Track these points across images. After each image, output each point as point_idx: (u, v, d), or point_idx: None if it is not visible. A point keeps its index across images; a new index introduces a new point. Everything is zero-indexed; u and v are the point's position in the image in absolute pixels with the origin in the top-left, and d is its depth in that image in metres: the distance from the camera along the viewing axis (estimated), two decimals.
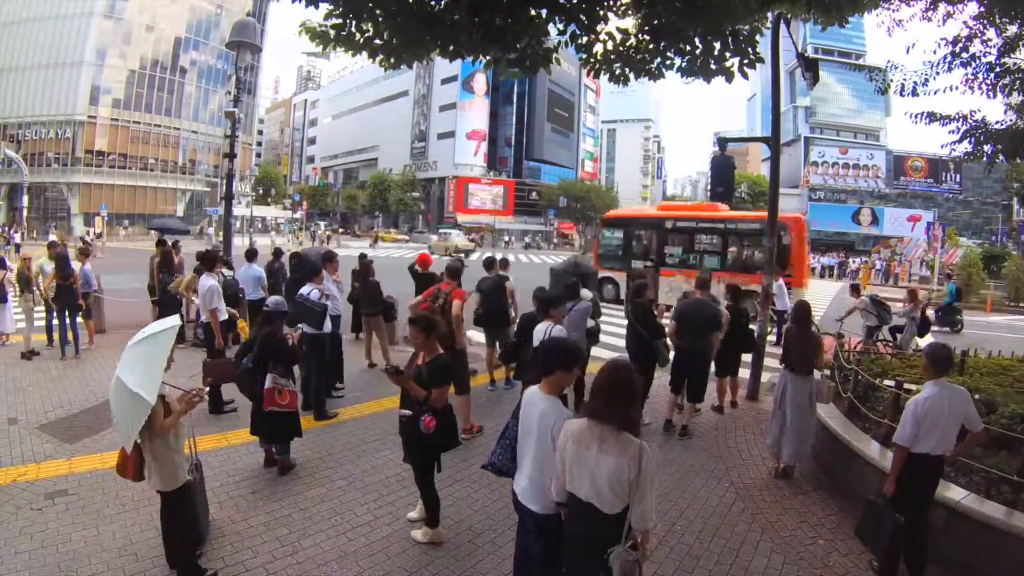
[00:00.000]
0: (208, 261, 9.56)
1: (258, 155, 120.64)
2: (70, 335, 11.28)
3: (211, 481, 6.33)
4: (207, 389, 5.86)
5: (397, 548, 5.27)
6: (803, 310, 7.53)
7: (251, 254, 12.69)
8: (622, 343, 9.39)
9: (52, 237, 36.28)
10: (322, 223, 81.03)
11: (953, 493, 5.34)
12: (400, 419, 5.34)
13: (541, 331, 6.69)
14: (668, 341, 8.69)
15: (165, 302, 12.46)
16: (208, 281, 9.11)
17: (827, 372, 8.20)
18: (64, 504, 5.76)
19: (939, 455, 4.90)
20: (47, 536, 5.17)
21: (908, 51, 9.48)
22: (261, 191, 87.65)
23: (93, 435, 7.47)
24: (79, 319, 11.57)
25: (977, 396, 6.58)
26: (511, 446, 4.22)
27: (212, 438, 7.55)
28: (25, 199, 55.54)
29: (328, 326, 8.83)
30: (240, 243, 26.62)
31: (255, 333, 7.01)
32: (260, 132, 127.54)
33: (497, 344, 10.40)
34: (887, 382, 7.44)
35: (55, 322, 11.50)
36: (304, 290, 8.85)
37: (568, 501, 3.54)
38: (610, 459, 3.29)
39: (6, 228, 46.83)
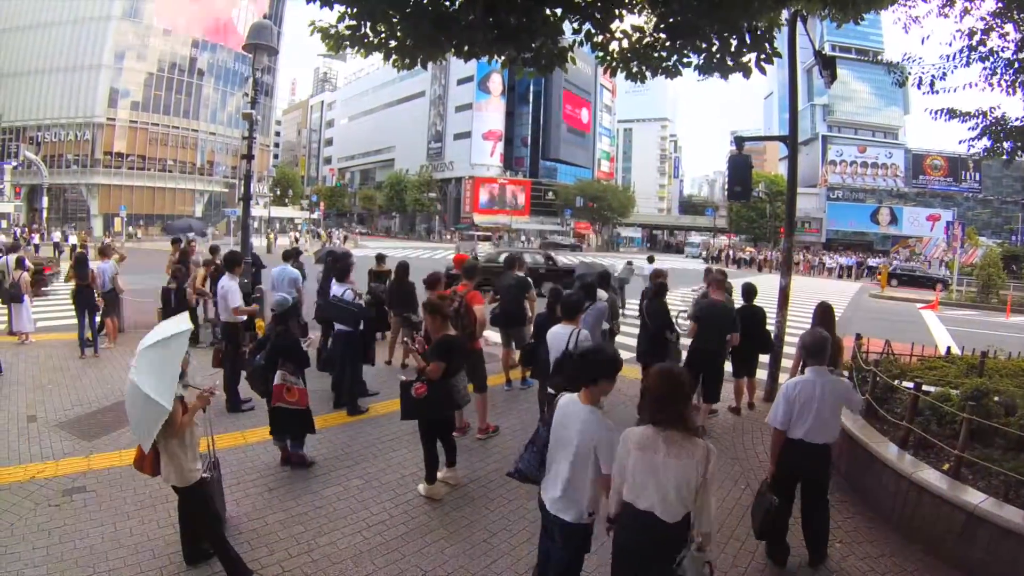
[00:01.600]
0: (231, 263, 9.56)
1: (275, 156, 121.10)
2: (88, 334, 11.41)
3: (228, 479, 6.36)
4: (219, 384, 5.95)
5: (412, 547, 5.28)
6: (825, 311, 7.46)
7: (288, 255, 12.52)
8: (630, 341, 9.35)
9: (72, 239, 36.70)
10: (300, 223, 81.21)
11: (971, 497, 5.28)
12: (400, 383, 6.14)
13: (562, 336, 6.70)
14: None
15: (179, 300, 12.60)
16: (227, 282, 9.11)
17: (845, 373, 8.13)
18: (82, 500, 5.81)
19: (820, 443, 5.03)
20: (65, 532, 5.21)
21: (923, 42, 9.43)
22: (279, 192, 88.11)
23: (111, 432, 7.54)
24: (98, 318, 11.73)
25: (997, 398, 6.52)
26: (540, 453, 4.16)
27: (230, 436, 7.59)
28: (45, 200, 56.09)
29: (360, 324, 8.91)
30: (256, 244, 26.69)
31: (268, 331, 7.07)
32: (277, 134, 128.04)
33: (513, 344, 10.40)
34: (906, 384, 7.38)
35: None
36: (337, 290, 8.98)
37: (623, 513, 3.59)
38: (678, 462, 3.39)
39: (25, 229, 47.27)
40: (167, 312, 12.89)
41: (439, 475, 6.41)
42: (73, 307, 11.61)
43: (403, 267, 11.58)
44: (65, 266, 12.45)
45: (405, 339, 6.54)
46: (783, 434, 5.06)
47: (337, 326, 8.75)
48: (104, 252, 12.98)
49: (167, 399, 4.21)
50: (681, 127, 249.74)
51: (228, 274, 9.30)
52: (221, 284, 9.22)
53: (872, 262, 53.98)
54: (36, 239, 40.47)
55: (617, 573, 3.74)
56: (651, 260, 20.51)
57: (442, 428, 6.37)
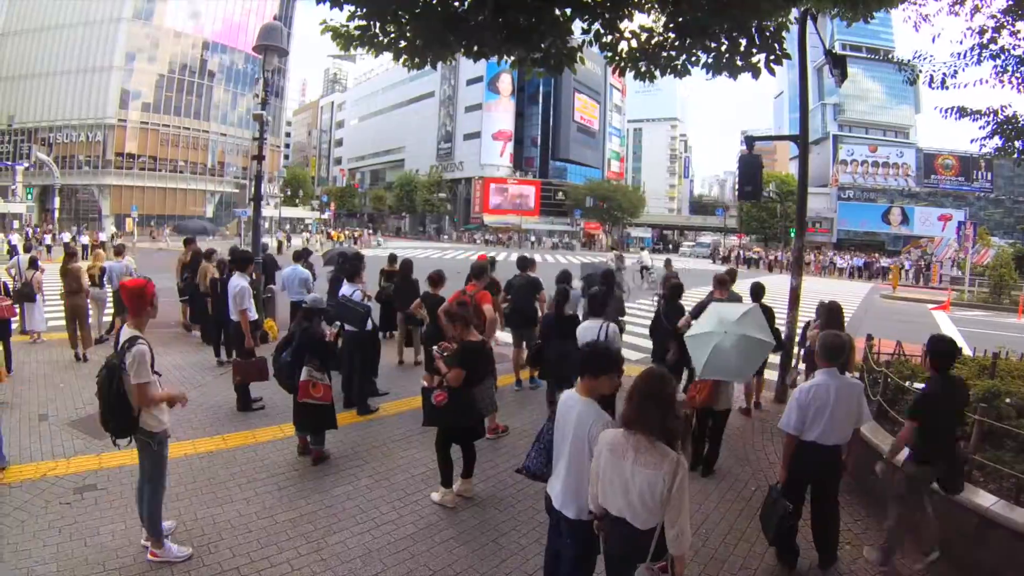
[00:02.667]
0: (241, 262, 9.62)
1: (286, 157, 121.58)
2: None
3: (239, 478, 6.42)
4: None
5: (422, 547, 5.29)
6: (834, 311, 7.43)
7: (298, 255, 12.82)
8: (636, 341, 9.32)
9: (84, 239, 36.88)
10: (310, 223, 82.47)
11: (982, 499, 5.25)
12: (422, 389, 6.17)
13: (592, 329, 7.02)
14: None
15: (198, 300, 12.71)
16: (239, 282, 9.15)
17: (856, 374, 8.08)
18: (93, 498, 5.84)
19: (832, 445, 5.02)
20: (75, 529, 5.24)
21: (934, 40, 9.37)
22: (289, 192, 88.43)
23: None
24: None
25: (1008, 400, 6.46)
26: (546, 450, 4.16)
27: (240, 435, 7.62)
28: (57, 201, 56.39)
29: (368, 325, 8.94)
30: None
31: (294, 328, 7.19)
32: (288, 134, 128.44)
33: (525, 344, 10.40)
34: (917, 385, 7.32)
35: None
36: (346, 290, 9.02)
37: (605, 517, 3.55)
38: (645, 471, 3.27)
39: (37, 229, 47.52)
40: (193, 306, 13.07)
41: (454, 487, 6.26)
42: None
43: (408, 264, 11.82)
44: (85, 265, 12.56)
45: (434, 347, 6.58)
46: (796, 439, 5.03)
47: (346, 327, 8.78)
48: (119, 252, 13.13)
49: (771, 338, 6.69)
50: (691, 127, 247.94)
51: (239, 273, 9.36)
52: (232, 283, 9.25)
53: (884, 262, 53.24)
54: (48, 239, 40.62)
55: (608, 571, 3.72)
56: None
57: (465, 436, 6.24)
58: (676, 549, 3.26)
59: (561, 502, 3.85)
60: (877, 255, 59.51)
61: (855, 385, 5.15)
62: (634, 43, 6.88)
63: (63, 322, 11.47)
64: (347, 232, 69.18)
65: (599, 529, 3.65)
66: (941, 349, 5.22)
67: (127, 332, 4.80)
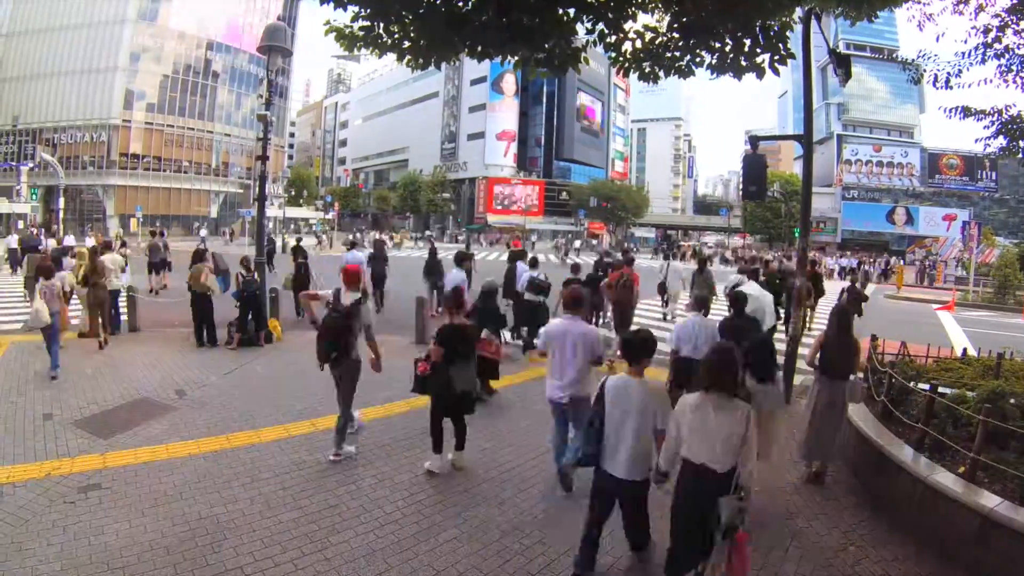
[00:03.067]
0: (459, 259, 13.51)
1: (290, 157, 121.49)
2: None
3: (242, 477, 6.43)
4: None
5: (425, 546, 5.28)
6: (844, 313, 7.43)
7: (461, 257, 15.06)
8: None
9: (89, 240, 36.91)
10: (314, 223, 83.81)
11: (986, 500, 5.22)
12: (414, 359, 7.02)
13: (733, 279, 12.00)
14: None
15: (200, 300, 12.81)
16: (459, 275, 12.35)
17: (860, 375, 8.05)
18: (97, 498, 5.85)
19: (696, 359, 6.76)
20: (80, 529, 5.24)
21: (938, 39, 9.36)
22: (293, 193, 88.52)
23: (127, 431, 7.58)
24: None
25: (1013, 400, 6.45)
26: (597, 432, 4.76)
27: (244, 435, 7.62)
28: (61, 201, 56.40)
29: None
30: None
31: (477, 302, 10.00)
32: (292, 135, 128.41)
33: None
34: (921, 385, 7.30)
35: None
36: (534, 273, 12.64)
37: (684, 468, 4.38)
38: (725, 420, 4.21)
39: (42, 230, 47.43)
40: (196, 305, 13.21)
41: (449, 456, 6.95)
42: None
43: (379, 245, 15.98)
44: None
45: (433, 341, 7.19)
46: (676, 354, 7.70)
47: (528, 296, 12.42)
48: (107, 247, 13.53)
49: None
50: (695, 127, 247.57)
51: (457, 268, 13.06)
52: (451, 276, 12.39)
53: (867, 264, 50.81)
54: (50, 243, 40.46)
55: (677, 517, 4.45)
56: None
57: (454, 411, 6.89)
58: (750, 482, 4.22)
59: (628, 469, 4.63)
60: (867, 256, 58.05)
61: (712, 324, 7.69)
62: (638, 43, 6.88)
63: (74, 320, 11.60)
64: (397, 235, 69.65)
65: (661, 486, 4.64)
66: (737, 297, 8.09)
67: (351, 296, 7.04)
